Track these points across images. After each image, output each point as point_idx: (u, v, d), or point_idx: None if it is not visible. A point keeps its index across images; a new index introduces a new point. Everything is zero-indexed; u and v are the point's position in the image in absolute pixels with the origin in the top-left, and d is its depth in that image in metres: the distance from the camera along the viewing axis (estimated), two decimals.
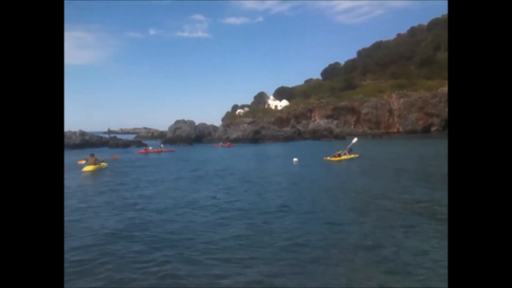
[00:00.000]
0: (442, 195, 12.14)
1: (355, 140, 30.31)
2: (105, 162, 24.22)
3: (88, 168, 22.13)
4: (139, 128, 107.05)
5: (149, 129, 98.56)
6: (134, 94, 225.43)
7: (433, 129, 67.56)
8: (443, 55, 77.68)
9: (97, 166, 22.79)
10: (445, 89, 67.85)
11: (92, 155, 23.57)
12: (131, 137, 70.65)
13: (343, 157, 26.54)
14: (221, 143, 50.71)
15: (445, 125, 66.67)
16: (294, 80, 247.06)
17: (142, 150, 40.01)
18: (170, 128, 62.91)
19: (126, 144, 50.68)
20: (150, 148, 40.56)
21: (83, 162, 24.05)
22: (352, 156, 27.21)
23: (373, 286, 5.82)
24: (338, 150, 27.12)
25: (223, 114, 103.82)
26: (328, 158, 25.95)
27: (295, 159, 25.61)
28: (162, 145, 44.61)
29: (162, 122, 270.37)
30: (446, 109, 66.02)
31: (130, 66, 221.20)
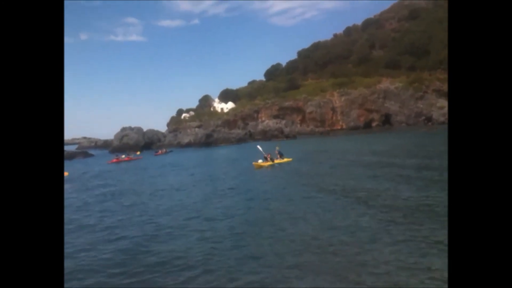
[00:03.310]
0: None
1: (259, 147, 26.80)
2: None
3: None
4: (78, 138, 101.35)
5: (90, 138, 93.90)
6: (68, 103, 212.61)
7: (374, 124, 71.46)
8: (378, 53, 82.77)
9: None
10: (382, 85, 72.19)
11: None
12: (71, 148, 66.92)
13: (277, 161, 24.89)
14: (159, 151, 49.73)
15: (384, 120, 70.88)
16: (238, 82, 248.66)
17: (113, 159, 40.07)
18: (116, 136, 60.54)
19: (71, 156, 47.98)
20: (123, 156, 41.25)
21: None
22: (284, 160, 25.33)
23: None
24: (268, 154, 24.92)
25: (168, 119, 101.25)
26: (260, 163, 24.15)
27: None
28: (124, 155, 43.50)
29: (103, 130, 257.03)
30: (385, 105, 70.34)
31: None
